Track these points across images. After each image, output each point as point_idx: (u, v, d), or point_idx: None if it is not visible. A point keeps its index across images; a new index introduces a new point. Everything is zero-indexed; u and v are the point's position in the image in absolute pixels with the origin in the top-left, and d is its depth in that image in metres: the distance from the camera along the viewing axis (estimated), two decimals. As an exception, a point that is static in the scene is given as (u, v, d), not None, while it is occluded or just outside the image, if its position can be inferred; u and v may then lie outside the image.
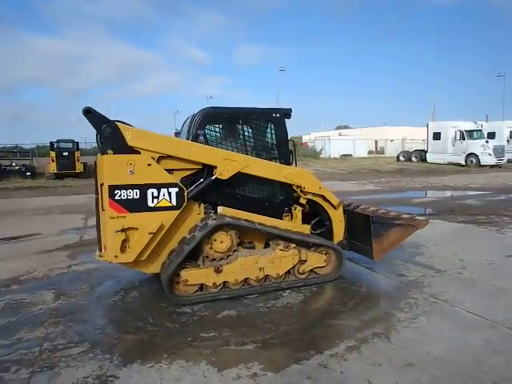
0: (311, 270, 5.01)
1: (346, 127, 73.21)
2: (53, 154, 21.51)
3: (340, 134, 56.54)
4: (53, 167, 21.54)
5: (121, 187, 4.25)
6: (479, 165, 26.26)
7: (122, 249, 4.27)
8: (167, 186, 4.39)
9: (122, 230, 4.22)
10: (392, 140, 46.18)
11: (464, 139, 27.05)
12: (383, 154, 45.68)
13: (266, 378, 3.03)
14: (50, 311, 4.39)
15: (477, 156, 26.60)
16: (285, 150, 5.22)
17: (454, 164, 27.51)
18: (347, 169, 26.25)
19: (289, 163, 5.21)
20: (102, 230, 4.47)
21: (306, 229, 5.14)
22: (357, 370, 3.11)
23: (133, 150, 4.34)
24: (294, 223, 5.10)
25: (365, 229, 5.02)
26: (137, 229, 4.28)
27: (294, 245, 4.83)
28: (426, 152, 30.36)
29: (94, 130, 4.34)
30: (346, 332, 3.75)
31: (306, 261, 4.92)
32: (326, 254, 5.06)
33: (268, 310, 4.26)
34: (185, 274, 4.44)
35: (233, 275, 4.60)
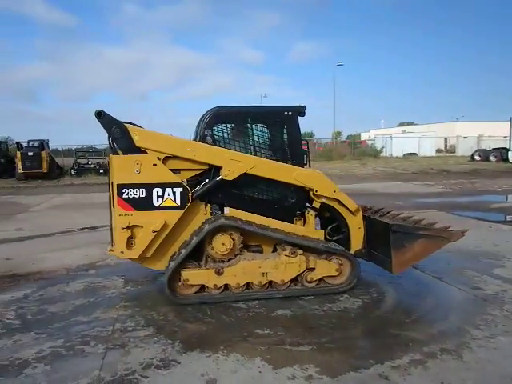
0: (321, 279, 4.78)
1: (410, 124, 69.90)
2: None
3: (404, 131, 54.06)
4: None
5: (128, 186, 4.43)
6: None
7: (128, 245, 4.46)
8: (172, 185, 4.49)
9: (128, 227, 4.41)
10: (465, 137, 43.16)
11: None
12: (454, 152, 43.11)
13: (321, 381, 3.03)
14: (121, 295, 4.82)
15: None
16: (298, 151, 5.01)
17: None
18: (411, 168, 25.11)
19: (302, 164, 4.97)
20: (113, 227, 4.65)
21: (320, 234, 4.92)
22: (423, 387, 2.99)
23: (140, 151, 4.51)
24: (306, 228, 4.88)
25: (384, 238, 4.64)
26: (142, 227, 4.45)
27: (301, 251, 4.63)
28: (508, 150, 27.71)
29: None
30: (411, 344, 3.55)
31: (314, 269, 4.70)
32: (338, 262, 4.78)
33: (324, 314, 4.26)
34: (185, 273, 4.50)
35: (234, 278, 4.56)
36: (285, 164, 4.84)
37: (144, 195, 4.46)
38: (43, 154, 21.69)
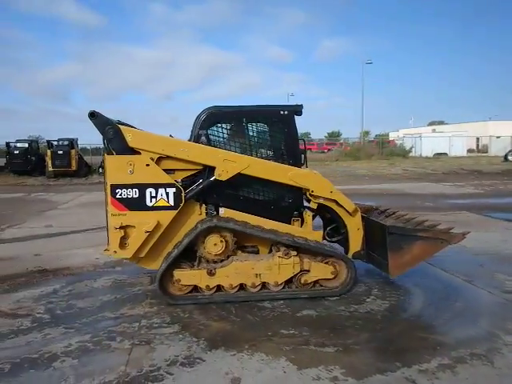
0: (316, 282, 4.69)
1: (440, 123, 68.27)
2: None
3: (434, 131, 52.88)
4: None
5: (121, 186, 4.45)
6: None
7: (121, 245, 4.47)
8: (165, 186, 4.48)
9: (121, 227, 4.43)
10: (498, 137, 41.67)
11: None
12: (486, 152, 41.87)
13: (346, 383, 3.01)
14: (147, 292, 4.87)
15: None
16: (294, 150, 4.92)
17: None
18: (441, 169, 24.53)
19: (299, 164, 4.89)
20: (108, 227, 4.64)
21: (317, 236, 4.82)
22: (451, 392, 2.91)
23: (134, 151, 4.51)
24: (303, 229, 4.79)
25: (381, 240, 4.57)
26: (134, 227, 4.46)
27: (295, 252, 4.54)
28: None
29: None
30: (439, 348, 3.48)
31: (309, 271, 4.61)
32: (333, 265, 4.66)
33: (350, 315, 4.21)
34: (177, 273, 4.48)
35: (227, 279, 4.52)
36: (280, 164, 4.76)
37: (137, 195, 4.47)
38: (72, 152, 22.18)
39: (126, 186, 4.46)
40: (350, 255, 4.91)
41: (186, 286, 4.54)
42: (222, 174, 4.52)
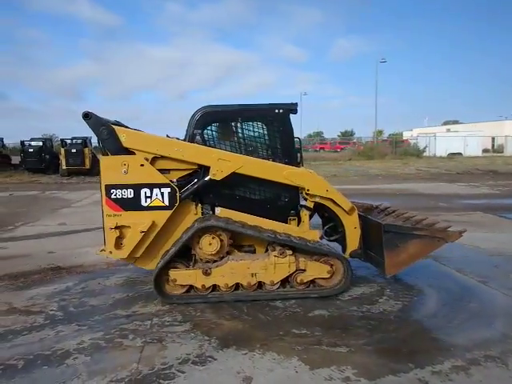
0: (313, 281, 4.64)
1: (455, 122, 67.40)
2: None
3: (448, 130, 52.25)
4: None
5: (116, 186, 4.48)
6: None
7: (117, 245, 4.50)
8: (159, 186, 4.48)
9: (116, 228, 4.45)
10: (515, 136, 41.49)
11: None
12: (502, 152, 41.31)
13: (359, 384, 2.99)
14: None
15: None
16: (290, 149, 4.89)
17: None
18: (455, 169, 24.18)
19: (296, 163, 4.87)
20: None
21: (314, 235, 4.77)
22: (465, 394, 2.87)
23: (128, 151, 4.52)
24: (300, 228, 4.77)
25: (377, 238, 4.55)
26: (129, 227, 4.48)
27: (290, 251, 4.50)
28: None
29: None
30: (452, 350, 3.43)
31: (305, 270, 4.56)
32: (330, 264, 4.61)
33: (362, 315, 4.17)
34: (173, 273, 4.47)
35: (222, 279, 4.49)
36: (275, 163, 4.72)
37: (132, 195, 4.49)
38: (86, 150, 22.31)
39: (121, 187, 4.49)
40: (347, 254, 4.89)
41: (181, 285, 4.54)
42: (217, 173, 4.50)
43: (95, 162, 23.43)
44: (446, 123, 68.69)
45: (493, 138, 45.69)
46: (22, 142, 23.74)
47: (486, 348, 3.45)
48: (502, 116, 58.13)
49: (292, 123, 4.88)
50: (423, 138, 40.36)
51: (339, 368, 3.18)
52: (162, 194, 4.50)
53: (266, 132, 4.91)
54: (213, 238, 4.50)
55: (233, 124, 4.99)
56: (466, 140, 39.49)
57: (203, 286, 4.51)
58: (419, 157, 34.08)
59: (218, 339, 3.65)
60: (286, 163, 4.75)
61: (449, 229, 4.54)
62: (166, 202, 4.51)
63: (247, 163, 4.57)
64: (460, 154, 37.63)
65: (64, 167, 22.10)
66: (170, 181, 4.55)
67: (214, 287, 4.55)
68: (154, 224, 4.49)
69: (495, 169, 24.09)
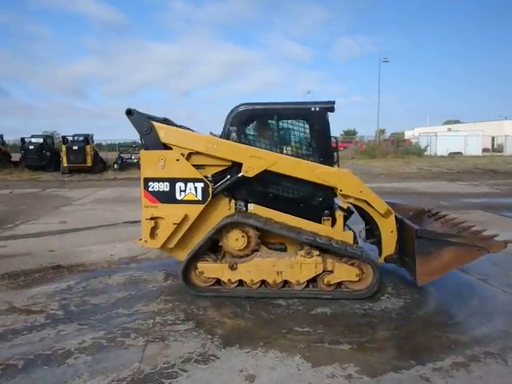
0: (340, 284, 4.57)
1: (456, 122, 67.34)
2: None
3: (449, 130, 52.23)
4: None
5: (153, 180, 4.71)
6: None
7: (152, 235, 4.72)
8: (193, 180, 4.66)
9: (152, 219, 4.69)
10: (514, 136, 41.46)
11: None
12: (502, 152, 41.33)
13: (361, 381, 3.00)
14: (161, 289, 4.88)
15: None
16: (326, 148, 4.81)
17: None
18: (456, 168, 24.18)
19: (332, 162, 4.77)
20: None
21: (348, 237, 4.67)
22: (465, 390, 2.89)
23: (166, 147, 4.73)
24: (334, 229, 4.68)
25: (411, 244, 4.42)
26: (163, 218, 4.70)
27: (317, 252, 4.47)
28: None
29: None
30: (453, 346, 3.48)
31: (332, 271, 4.51)
32: (359, 267, 4.51)
33: (364, 313, 4.18)
34: (201, 266, 4.63)
35: (248, 275, 4.56)
36: (308, 162, 4.68)
37: (168, 189, 4.69)
38: (87, 148, 22.03)
39: (158, 180, 4.71)
40: (382, 258, 4.84)
41: (209, 278, 4.67)
42: (249, 170, 4.59)
43: (97, 160, 23.28)
44: (446, 123, 68.61)
45: (493, 138, 45.61)
46: (23, 139, 23.44)
47: (485, 345, 3.51)
48: (502, 116, 58.16)
49: (329, 122, 4.79)
50: (424, 138, 40.31)
51: (341, 365, 3.19)
52: (196, 188, 4.66)
53: (301, 130, 4.87)
54: (241, 234, 4.59)
55: (269, 122, 4.95)
56: (466, 139, 39.50)
57: (229, 280, 4.61)
58: (420, 156, 34.07)
59: (221, 337, 3.65)
60: (321, 162, 4.68)
61: (495, 238, 4.29)
62: (199, 197, 4.67)
63: (280, 161, 4.59)
64: (460, 153, 37.64)
65: (65, 165, 21.87)
66: (205, 176, 4.69)
67: (241, 282, 4.63)
68: (186, 217, 4.68)
69: (495, 168, 24.12)
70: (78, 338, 3.66)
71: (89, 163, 22.11)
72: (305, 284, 4.56)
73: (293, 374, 3.09)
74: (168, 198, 4.70)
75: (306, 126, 4.82)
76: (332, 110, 4.75)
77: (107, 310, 4.28)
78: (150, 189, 4.71)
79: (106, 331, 3.80)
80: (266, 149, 4.75)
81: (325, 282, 4.53)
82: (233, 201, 4.81)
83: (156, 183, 4.71)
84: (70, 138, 22.68)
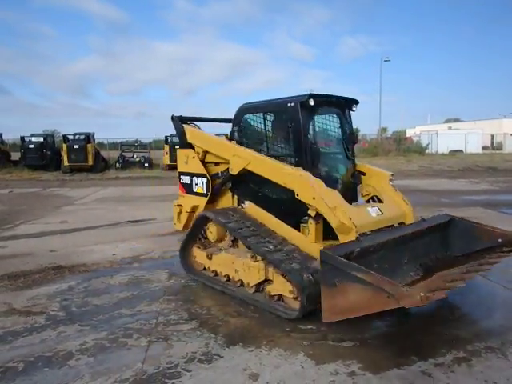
0: (281, 297, 4.09)
1: (456, 120, 67.29)
2: (166, 147, 22.64)
3: (450, 128, 52.26)
4: (166, 159, 22.69)
5: (182, 173, 5.62)
6: None
7: (178, 219, 5.71)
8: (201, 176, 5.31)
9: (178, 206, 5.69)
10: (513, 134, 41.47)
11: None
12: (501, 149, 41.36)
13: (364, 378, 3.00)
14: (164, 289, 4.86)
15: None
16: (300, 146, 4.42)
17: None
18: (456, 166, 24.24)
19: (303, 162, 4.37)
20: None
21: (315, 249, 3.78)
22: (466, 385, 2.91)
23: (191, 146, 5.46)
24: (306, 238, 4.22)
25: None
26: (183, 206, 5.59)
27: (261, 257, 4.15)
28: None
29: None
30: (454, 342, 3.51)
31: (272, 281, 4.13)
32: (293, 284, 3.85)
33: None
34: (195, 250, 5.06)
35: (218, 267, 4.73)
36: (276, 162, 4.41)
37: (189, 182, 5.51)
38: (89, 147, 21.87)
39: (184, 174, 5.60)
40: None
41: (199, 263, 5.03)
42: (233, 168, 4.82)
43: (98, 159, 23.01)
44: (447, 121, 68.59)
45: (492, 136, 45.61)
46: (22, 138, 23.06)
47: (486, 340, 3.55)
48: (501, 114, 58.17)
49: (304, 118, 4.40)
50: (426, 136, 40.29)
51: (345, 362, 3.19)
52: (203, 183, 5.29)
53: (280, 127, 4.68)
54: (215, 228, 4.79)
55: (255, 119, 4.93)
56: (466, 137, 39.52)
57: (208, 268, 4.88)
58: (422, 154, 34.08)
59: (225, 337, 3.64)
60: (296, 162, 4.43)
61: (406, 288, 3.05)
62: (205, 190, 5.28)
63: (254, 160, 4.56)
64: (461, 151, 37.69)
65: (66, 164, 21.70)
66: (218, 172, 5.23)
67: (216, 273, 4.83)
68: (195, 207, 5.42)
69: (494, 165, 24.23)
70: (79, 339, 3.62)
71: (90, 162, 21.97)
72: (254, 288, 4.28)
73: (296, 371, 3.08)
74: (189, 189, 5.51)
75: (284, 122, 4.57)
76: (306, 103, 4.35)
77: (109, 311, 4.25)
78: (181, 181, 5.62)
79: (108, 332, 3.77)
80: (254, 147, 4.81)
81: (266, 291, 4.19)
82: (235, 197, 5.09)
83: (183, 176, 5.59)
84: (71, 137, 22.49)
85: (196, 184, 5.35)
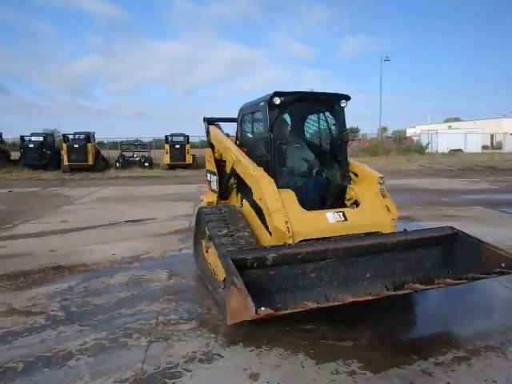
0: None
1: (456, 120, 67.32)
2: (167, 146, 22.74)
3: (449, 127, 52.28)
4: (166, 159, 22.81)
5: (207, 171, 6.17)
6: None
7: None
8: (214, 174, 5.74)
9: (202, 201, 6.17)
10: (512, 133, 41.45)
11: None
12: (500, 149, 41.37)
13: (364, 377, 2.99)
14: (164, 288, 4.84)
15: None
16: (266, 145, 4.41)
17: None
18: (456, 165, 24.23)
19: (270, 162, 4.33)
20: None
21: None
22: (466, 384, 2.92)
23: (213, 146, 5.88)
24: (270, 240, 4.12)
25: None
26: (203, 201, 6.03)
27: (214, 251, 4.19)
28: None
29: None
30: (454, 341, 3.51)
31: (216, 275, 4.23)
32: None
33: (367, 309, 4.10)
34: (203, 242, 5.06)
35: (213, 261, 4.55)
36: (249, 161, 4.45)
37: (210, 179, 6.04)
38: (89, 146, 21.78)
39: (207, 171, 6.16)
40: None
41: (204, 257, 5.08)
42: (228, 167, 5.14)
43: (99, 158, 22.94)
44: (447, 120, 68.63)
45: (492, 135, 45.62)
46: (22, 137, 22.89)
47: (486, 339, 3.54)
48: (501, 114, 58.23)
49: (271, 117, 4.35)
50: (426, 135, 40.28)
51: (345, 362, 3.19)
52: (216, 180, 5.68)
53: (258, 127, 4.78)
54: None
55: (247, 120, 5.21)
56: (466, 137, 39.51)
57: (207, 261, 4.90)
58: (422, 153, 34.09)
59: (225, 336, 3.63)
60: (265, 161, 4.41)
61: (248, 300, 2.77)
62: (216, 188, 5.67)
63: (236, 161, 4.72)
64: (461, 150, 37.67)
65: (66, 163, 21.59)
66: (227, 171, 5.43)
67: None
68: (210, 203, 5.76)
69: (494, 165, 24.21)
70: (79, 340, 3.61)
71: (90, 162, 21.88)
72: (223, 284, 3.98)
73: (297, 371, 3.08)
74: (210, 186, 6.05)
75: (258, 122, 4.71)
76: (271, 102, 4.27)
77: (109, 311, 4.23)
78: (207, 178, 6.15)
79: (108, 332, 3.75)
80: (248, 147, 4.94)
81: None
82: (239, 195, 5.21)
83: (208, 174, 6.13)
84: (71, 137, 22.32)
85: (212, 181, 5.81)
